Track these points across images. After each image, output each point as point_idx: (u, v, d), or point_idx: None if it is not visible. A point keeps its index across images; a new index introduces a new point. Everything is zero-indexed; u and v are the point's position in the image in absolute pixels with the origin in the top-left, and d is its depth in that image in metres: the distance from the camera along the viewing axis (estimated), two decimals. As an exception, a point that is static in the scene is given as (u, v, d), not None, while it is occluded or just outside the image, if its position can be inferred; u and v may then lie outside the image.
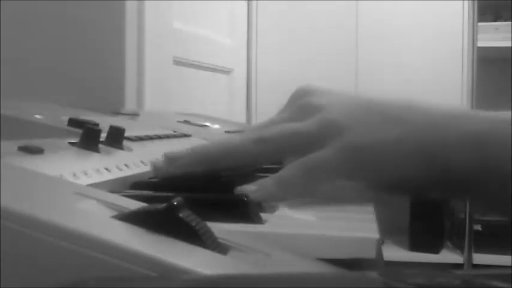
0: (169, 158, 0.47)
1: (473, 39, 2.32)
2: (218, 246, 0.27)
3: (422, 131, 0.42)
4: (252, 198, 0.38)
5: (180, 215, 0.26)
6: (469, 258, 2.30)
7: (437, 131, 0.42)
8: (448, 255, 2.36)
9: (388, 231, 2.35)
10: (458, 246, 2.38)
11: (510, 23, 2.38)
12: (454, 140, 0.41)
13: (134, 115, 0.99)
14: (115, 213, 0.28)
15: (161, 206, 0.26)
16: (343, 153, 0.42)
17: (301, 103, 0.48)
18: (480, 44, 2.33)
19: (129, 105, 1.63)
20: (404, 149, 0.42)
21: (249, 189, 0.40)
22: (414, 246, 2.36)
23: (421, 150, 0.42)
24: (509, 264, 2.14)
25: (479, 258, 2.30)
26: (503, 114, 0.42)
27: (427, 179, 0.42)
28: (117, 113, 0.96)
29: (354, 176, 0.43)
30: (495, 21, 2.47)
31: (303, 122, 0.45)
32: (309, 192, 0.42)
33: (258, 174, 0.50)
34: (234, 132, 1.01)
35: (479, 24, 2.34)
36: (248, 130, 0.49)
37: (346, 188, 0.43)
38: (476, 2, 2.32)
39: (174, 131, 0.78)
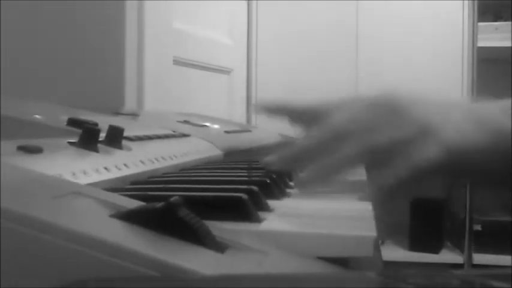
0: (304, 181, 0.49)
1: (473, 39, 2.32)
2: (216, 245, 0.27)
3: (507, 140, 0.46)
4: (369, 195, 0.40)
5: (179, 214, 0.26)
6: (469, 258, 2.30)
7: (471, 141, 0.46)
8: (448, 255, 2.36)
9: (388, 231, 2.35)
10: (458, 246, 2.38)
11: (510, 23, 2.38)
12: (486, 147, 0.46)
13: (134, 115, 0.99)
14: (113, 212, 0.28)
15: (159, 205, 0.26)
16: (445, 150, 0.45)
17: (387, 110, 0.50)
18: (480, 44, 2.33)
19: (129, 105, 1.62)
20: (495, 156, 0.46)
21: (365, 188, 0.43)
22: (414, 246, 2.35)
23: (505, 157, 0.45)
24: (509, 264, 2.14)
25: (479, 258, 2.30)
26: None
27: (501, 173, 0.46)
28: (117, 113, 0.96)
29: (452, 174, 0.46)
30: (495, 21, 2.47)
31: (404, 127, 0.47)
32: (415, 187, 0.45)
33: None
34: (234, 132, 1.01)
35: (479, 24, 2.34)
36: (342, 131, 0.49)
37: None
38: (476, 2, 2.32)
39: (174, 131, 0.79)
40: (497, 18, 2.49)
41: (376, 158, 0.47)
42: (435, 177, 0.48)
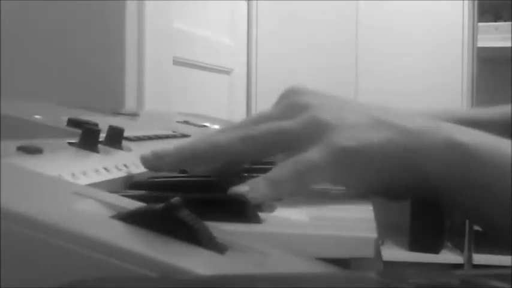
0: (157, 155, 0.47)
1: (473, 39, 2.32)
2: (216, 246, 0.27)
3: (408, 136, 0.42)
4: (244, 191, 0.38)
5: (179, 214, 0.26)
6: (469, 258, 2.30)
7: (422, 137, 0.42)
8: (448, 255, 2.36)
9: (388, 231, 2.35)
10: (458, 246, 2.38)
11: (510, 23, 2.38)
12: (437, 148, 0.42)
13: (134, 115, 0.99)
14: (114, 213, 0.28)
15: (159, 205, 0.26)
16: (330, 154, 0.42)
17: (289, 101, 0.48)
18: (480, 44, 2.33)
19: (129, 105, 1.63)
20: (389, 154, 0.42)
21: (242, 189, 0.40)
22: (414, 246, 2.36)
23: (404, 155, 0.42)
24: (509, 264, 2.14)
25: (479, 258, 2.30)
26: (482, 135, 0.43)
27: (408, 184, 0.43)
28: (117, 113, 0.96)
29: (340, 178, 0.43)
30: (495, 21, 2.47)
31: (290, 120, 0.45)
32: (299, 192, 0.42)
33: (246, 174, 0.50)
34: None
35: (479, 24, 2.34)
36: (234, 126, 0.49)
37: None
38: (476, 2, 2.32)
39: (174, 131, 0.79)
40: (497, 18, 2.49)
41: (256, 148, 0.45)
42: (325, 181, 0.45)
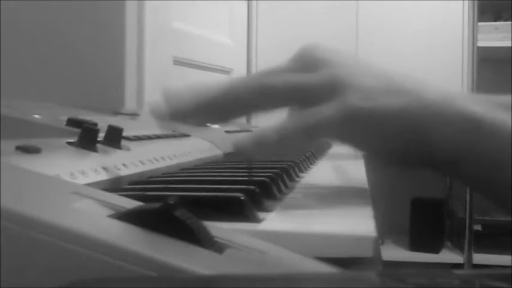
0: (166, 96, 0.46)
1: (473, 39, 2.32)
2: (214, 245, 0.27)
3: (423, 105, 0.42)
4: (249, 151, 0.38)
5: (176, 214, 0.26)
6: (469, 258, 2.30)
7: (437, 107, 0.42)
8: (448, 255, 2.36)
9: (388, 231, 2.35)
10: (458, 246, 2.38)
11: (510, 23, 2.38)
12: (447, 118, 0.42)
13: (134, 115, 0.99)
14: (111, 212, 0.28)
15: (157, 205, 0.26)
16: (343, 113, 0.41)
17: (308, 56, 0.47)
18: (480, 44, 2.33)
19: (129, 105, 1.63)
20: (402, 121, 0.42)
21: (246, 140, 0.40)
22: (414, 246, 2.36)
23: (417, 124, 0.42)
24: (509, 264, 2.14)
25: (479, 258, 2.30)
26: (503, 99, 0.42)
27: (417, 152, 0.43)
28: (117, 112, 0.96)
29: (348, 137, 0.43)
30: (495, 21, 2.47)
31: (309, 74, 0.45)
32: (306, 144, 0.42)
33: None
34: (234, 132, 1.01)
35: (479, 24, 2.34)
36: (252, 76, 0.48)
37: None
38: (476, 2, 2.32)
39: (174, 131, 0.78)
40: (497, 18, 2.49)
41: (273, 100, 0.45)
42: (332, 138, 0.44)
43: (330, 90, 0.43)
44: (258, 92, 0.44)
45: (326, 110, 0.42)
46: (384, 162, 0.45)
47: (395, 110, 0.42)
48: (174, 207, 0.26)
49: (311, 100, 0.43)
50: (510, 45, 2.33)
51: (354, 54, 2.44)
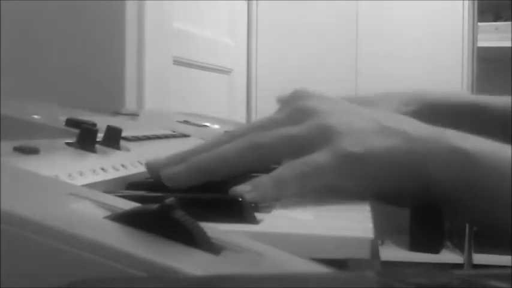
0: (166, 176, 0.45)
1: (473, 39, 2.32)
2: (211, 247, 0.27)
3: (413, 143, 0.43)
4: (247, 198, 0.38)
5: (173, 215, 0.26)
6: (469, 258, 2.30)
7: (427, 144, 0.43)
8: (448, 255, 2.36)
9: (388, 231, 2.35)
10: (458, 246, 2.38)
11: (510, 23, 2.38)
12: (441, 155, 0.42)
13: (134, 115, 0.99)
14: (108, 213, 0.28)
15: (154, 206, 0.26)
16: (335, 158, 0.42)
17: (296, 106, 0.48)
18: (480, 44, 2.33)
19: (129, 105, 1.63)
20: (394, 160, 0.43)
21: (244, 189, 0.40)
22: (414, 246, 2.35)
23: (409, 162, 0.43)
24: (509, 264, 2.14)
25: (479, 258, 2.30)
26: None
27: (411, 191, 0.43)
28: (116, 113, 0.96)
29: (343, 182, 0.43)
30: (495, 21, 2.47)
31: (297, 126, 0.45)
32: (302, 193, 0.43)
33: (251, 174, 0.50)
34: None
35: (479, 24, 2.34)
36: (239, 133, 0.48)
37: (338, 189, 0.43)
38: (476, 2, 2.32)
39: (173, 131, 0.78)
40: (497, 18, 2.49)
41: (265, 156, 0.45)
42: (328, 184, 0.43)
43: (320, 139, 0.44)
44: (250, 151, 0.45)
45: (319, 157, 0.42)
46: (381, 203, 0.46)
47: (386, 151, 0.42)
48: (171, 208, 0.26)
49: (304, 151, 0.43)
50: (510, 45, 2.33)
51: (354, 54, 2.44)
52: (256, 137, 0.45)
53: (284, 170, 0.43)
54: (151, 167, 0.48)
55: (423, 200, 0.45)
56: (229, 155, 0.45)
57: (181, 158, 0.47)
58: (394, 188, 0.44)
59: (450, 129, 0.45)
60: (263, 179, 0.42)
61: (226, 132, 0.50)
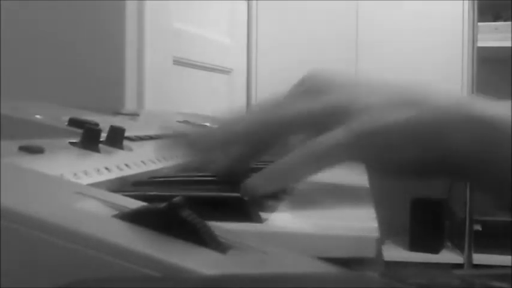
0: (193, 142, 0.45)
1: (473, 39, 2.33)
2: (218, 246, 0.27)
3: (431, 113, 0.42)
4: (261, 192, 0.38)
5: (181, 214, 0.26)
6: (469, 258, 2.31)
7: (445, 113, 0.42)
8: (448, 255, 2.36)
9: (388, 231, 2.35)
10: (458, 246, 2.38)
11: (510, 23, 2.38)
12: (459, 123, 0.42)
13: (134, 115, 0.99)
14: (116, 212, 0.28)
15: (162, 205, 0.26)
16: (351, 136, 0.41)
17: (311, 85, 0.47)
18: (480, 44, 2.33)
19: (129, 105, 1.62)
20: (412, 132, 0.42)
21: (256, 182, 0.40)
22: (414, 246, 2.36)
23: (428, 132, 0.42)
24: (509, 264, 2.14)
25: (479, 258, 2.30)
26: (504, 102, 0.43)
27: (431, 160, 0.43)
28: (117, 113, 0.96)
29: (363, 159, 0.43)
30: (495, 21, 2.47)
31: (313, 102, 0.44)
32: (315, 173, 0.42)
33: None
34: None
35: (479, 24, 2.34)
36: (258, 108, 0.47)
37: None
38: (476, 2, 2.32)
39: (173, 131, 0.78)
40: (497, 18, 2.50)
41: (284, 130, 0.45)
42: (344, 163, 0.43)
43: (336, 115, 0.43)
44: (265, 126, 0.44)
45: (335, 135, 0.41)
46: (400, 176, 0.45)
47: (405, 122, 0.42)
48: (179, 207, 0.26)
49: (320, 128, 0.42)
50: (510, 45, 2.33)
51: (354, 54, 2.44)
52: (272, 112, 0.45)
53: (297, 151, 0.42)
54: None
55: (446, 170, 0.45)
56: (248, 129, 0.45)
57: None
58: (413, 160, 0.43)
59: (471, 96, 0.44)
60: (275, 164, 0.41)
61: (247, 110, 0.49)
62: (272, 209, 0.39)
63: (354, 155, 0.42)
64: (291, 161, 0.41)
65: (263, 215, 0.36)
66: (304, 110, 0.44)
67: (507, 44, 2.34)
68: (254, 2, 2.49)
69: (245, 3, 2.46)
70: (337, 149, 0.41)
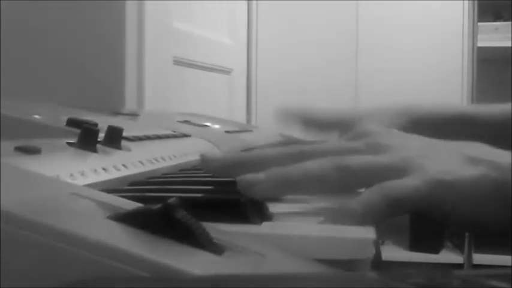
0: (247, 182, 0.42)
1: (473, 39, 2.32)
2: (214, 247, 0.27)
3: (500, 171, 0.42)
4: (334, 219, 0.37)
5: (176, 215, 0.26)
6: (469, 258, 2.31)
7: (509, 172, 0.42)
8: (448, 255, 2.36)
9: (388, 231, 2.35)
10: (458, 246, 2.38)
11: (510, 23, 2.38)
12: None
13: (134, 115, 0.99)
14: (110, 213, 0.28)
15: (157, 206, 0.26)
16: (425, 185, 0.41)
17: (370, 140, 0.48)
18: (480, 44, 2.33)
19: (129, 105, 1.62)
20: (482, 188, 0.42)
21: (331, 210, 0.39)
22: (414, 246, 2.35)
23: (497, 189, 0.42)
24: (509, 264, 2.14)
25: (479, 258, 2.30)
26: None
27: (501, 217, 0.43)
28: (117, 113, 0.96)
29: (433, 209, 0.42)
30: (495, 21, 2.47)
31: (379, 156, 0.45)
32: (388, 218, 0.41)
33: None
34: (234, 132, 1.01)
35: (479, 24, 2.34)
36: (316, 151, 0.46)
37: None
38: (476, 2, 2.32)
39: (174, 131, 0.78)
40: (497, 18, 2.50)
41: (347, 180, 0.43)
42: (416, 210, 0.43)
43: (404, 169, 0.43)
44: (333, 171, 0.43)
45: (410, 182, 0.41)
46: (461, 230, 0.46)
47: (475, 178, 0.42)
48: (174, 208, 0.26)
49: (387, 179, 0.42)
50: (510, 45, 2.33)
51: (354, 55, 2.44)
52: (341, 160, 0.44)
53: (371, 194, 0.41)
54: (210, 161, 0.46)
55: (504, 227, 0.45)
56: (313, 172, 0.43)
57: (243, 160, 0.46)
58: (480, 216, 0.43)
59: None
60: (350, 204, 0.40)
61: (294, 146, 0.48)
62: (270, 211, 0.39)
63: (424, 203, 0.41)
64: (367, 201, 0.40)
65: (260, 217, 0.36)
66: (376, 161, 0.44)
67: (507, 44, 2.34)
68: (254, 2, 2.49)
69: (245, 4, 2.47)
70: (413, 193, 0.41)
